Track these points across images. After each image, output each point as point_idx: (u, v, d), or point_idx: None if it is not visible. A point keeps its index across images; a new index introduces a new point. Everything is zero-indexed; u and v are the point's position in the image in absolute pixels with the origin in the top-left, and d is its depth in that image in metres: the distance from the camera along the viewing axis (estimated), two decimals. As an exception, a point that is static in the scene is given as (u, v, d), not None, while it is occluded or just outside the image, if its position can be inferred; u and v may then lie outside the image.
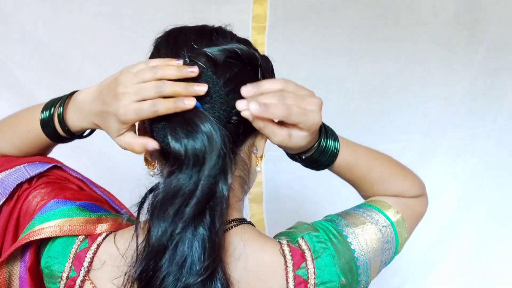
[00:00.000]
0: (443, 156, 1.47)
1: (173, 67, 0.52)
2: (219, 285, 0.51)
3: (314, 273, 0.55)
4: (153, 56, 0.59)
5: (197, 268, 0.49)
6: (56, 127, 0.62)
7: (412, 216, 0.68)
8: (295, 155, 0.63)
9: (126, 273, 0.52)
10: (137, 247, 0.52)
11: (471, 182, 1.47)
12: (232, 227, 0.57)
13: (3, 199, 0.62)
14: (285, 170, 1.40)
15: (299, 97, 0.53)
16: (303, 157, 0.63)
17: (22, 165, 0.64)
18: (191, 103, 0.51)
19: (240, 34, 1.30)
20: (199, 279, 0.49)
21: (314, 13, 1.33)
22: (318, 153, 0.61)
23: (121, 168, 1.28)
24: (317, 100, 0.55)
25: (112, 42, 1.30)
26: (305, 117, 0.53)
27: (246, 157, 0.59)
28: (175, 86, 0.51)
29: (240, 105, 0.52)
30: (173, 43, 0.57)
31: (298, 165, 1.44)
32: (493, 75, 1.41)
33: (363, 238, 0.60)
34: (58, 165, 0.67)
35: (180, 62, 0.53)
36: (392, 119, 1.43)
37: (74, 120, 0.60)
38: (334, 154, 0.62)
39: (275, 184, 1.44)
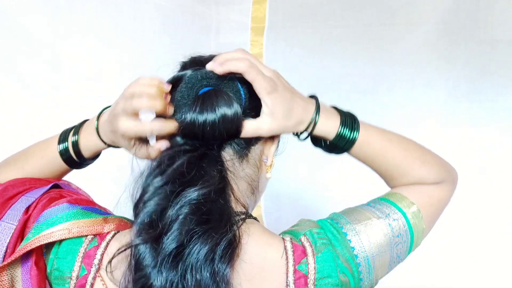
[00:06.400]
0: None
1: (153, 85, 0.56)
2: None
3: (314, 268, 0.56)
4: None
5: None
6: (72, 155, 0.67)
7: (431, 205, 0.65)
8: (314, 142, 0.66)
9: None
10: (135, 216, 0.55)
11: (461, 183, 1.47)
12: (238, 220, 0.57)
13: (14, 226, 0.63)
14: (284, 168, 1.40)
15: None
16: (323, 143, 0.65)
17: (23, 196, 0.65)
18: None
19: (239, 34, 1.34)
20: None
21: (312, 15, 1.34)
22: (336, 138, 0.62)
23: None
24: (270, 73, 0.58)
25: (111, 41, 1.31)
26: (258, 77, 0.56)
27: (258, 161, 0.62)
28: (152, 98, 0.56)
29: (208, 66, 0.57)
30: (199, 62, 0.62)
31: (297, 164, 1.45)
32: (477, 79, 1.42)
33: (365, 234, 0.60)
34: (58, 183, 0.69)
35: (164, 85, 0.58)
36: (385, 119, 1.42)
37: (92, 142, 0.65)
38: (351, 140, 0.62)
39: (274, 182, 1.44)
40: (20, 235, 0.63)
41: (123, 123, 0.56)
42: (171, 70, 0.63)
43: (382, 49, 1.39)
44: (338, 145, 0.63)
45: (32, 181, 0.68)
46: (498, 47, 1.39)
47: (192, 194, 0.53)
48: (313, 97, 0.63)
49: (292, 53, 1.37)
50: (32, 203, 0.64)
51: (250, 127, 0.57)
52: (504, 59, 1.39)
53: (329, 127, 0.61)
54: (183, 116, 0.56)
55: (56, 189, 0.68)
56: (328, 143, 0.64)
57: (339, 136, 0.62)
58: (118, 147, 0.65)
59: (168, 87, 0.58)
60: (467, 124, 1.45)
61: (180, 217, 0.52)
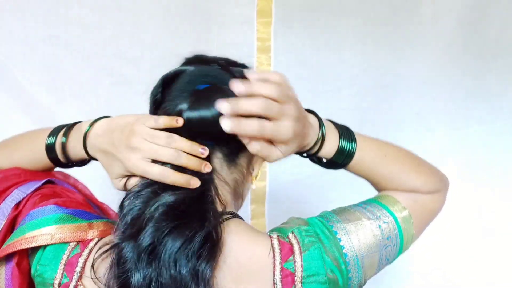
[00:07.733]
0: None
1: (187, 143, 0.56)
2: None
3: (301, 266, 0.56)
4: (162, 89, 0.61)
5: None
6: (58, 154, 0.66)
7: (422, 213, 0.67)
8: (311, 158, 0.66)
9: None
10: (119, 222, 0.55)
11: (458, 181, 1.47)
12: (223, 220, 0.58)
13: (3, 222, 0.64)
14: (289, 171, 1.39)
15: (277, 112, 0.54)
16: (321, 160, 0.66)
17: (16, 189, 0.66)
18: (196, 183, 0.56)
19: (243, 29, 1.31)
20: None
21: (324, 5, 1.27)
22: (336, 155, 0.63)
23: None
24: (292, 112, 0.54)
25: (113, 39, 1.28)
26: (278, 133, 0.54)
27: (245, 169, 0.63)
28: (190, 160, 0.56)
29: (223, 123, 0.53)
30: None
31: (301, 167, 1.44)
32: (482, 77, 1.40)
33: (355, 234, 0.60)
34: (52, 179, 0.69)
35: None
36: (405, 116, 1.39)
37: (78, 150, 0.64)
38: (350, 155, 0.63)
39: (278, 185, 1.43)
40: (9, 230, 0.64)
41: (141, 164, 0.55)
42: (172, 65, 0.63)
43: (399, 44, 1.33)
44: (337, 161, 0.63)
45: (28, 173, 0.69)
46: (502, 46, 1.37)
47: (170, 197, 0.54)
48: (312, 112, 0.62)
49: (304, 47, 1.29)
50: (22, 199, 0.64)
51: (264, 147, 0.56)
52: (507, 57, 1.37)
53: (330, 145, 0.62)
54: (175, 108, 0.56)
55: (50, 184, 0.68)
56: (326, 160, 0.65)
57: (339, 152, 0.62)
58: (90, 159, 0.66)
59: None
60: (471, 122, 1.43)
61: (156, 215, 0.53)
